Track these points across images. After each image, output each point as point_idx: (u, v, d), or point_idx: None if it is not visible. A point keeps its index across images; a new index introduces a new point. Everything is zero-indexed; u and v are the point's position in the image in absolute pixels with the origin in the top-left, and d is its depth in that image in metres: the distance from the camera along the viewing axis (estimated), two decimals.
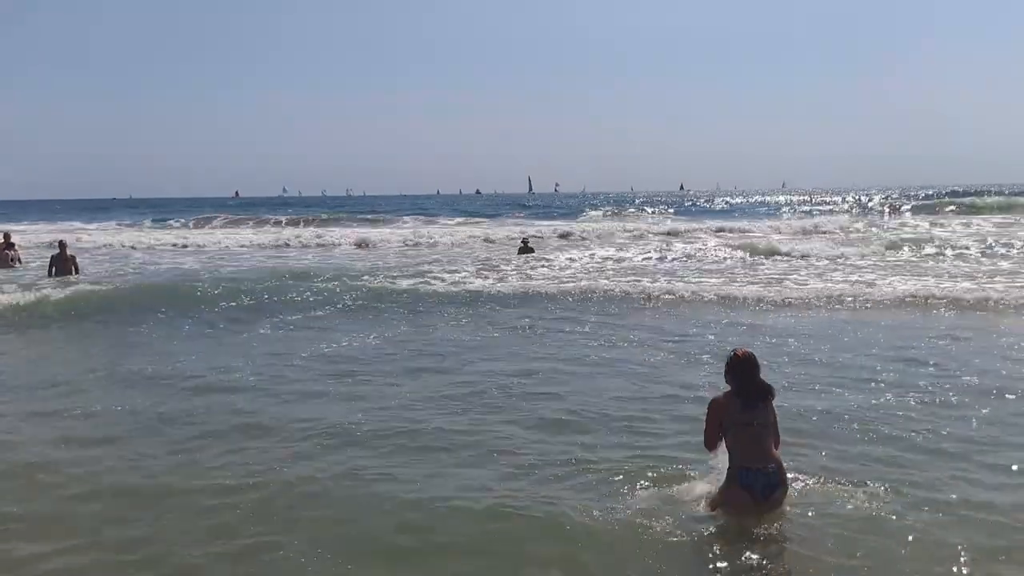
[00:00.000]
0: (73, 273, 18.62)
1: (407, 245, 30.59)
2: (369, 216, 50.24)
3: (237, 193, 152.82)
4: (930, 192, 68.94)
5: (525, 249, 25.53)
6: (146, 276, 19.56)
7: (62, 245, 19.34)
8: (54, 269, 18.53)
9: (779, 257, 21.85)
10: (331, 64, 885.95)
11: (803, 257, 21.56)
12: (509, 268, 19.90)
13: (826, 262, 20.45)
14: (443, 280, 17.30)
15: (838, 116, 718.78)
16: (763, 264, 20.54)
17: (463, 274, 18.42)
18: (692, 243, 25.80)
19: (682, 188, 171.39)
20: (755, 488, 4.72)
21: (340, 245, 30.76)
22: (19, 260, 21.07)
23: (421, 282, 16.91)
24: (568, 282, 16.72)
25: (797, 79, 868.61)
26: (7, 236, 21.87)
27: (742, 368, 4.93)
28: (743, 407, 4.82)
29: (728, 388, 5.00)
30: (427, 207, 69.25)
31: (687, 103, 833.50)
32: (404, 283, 16.59)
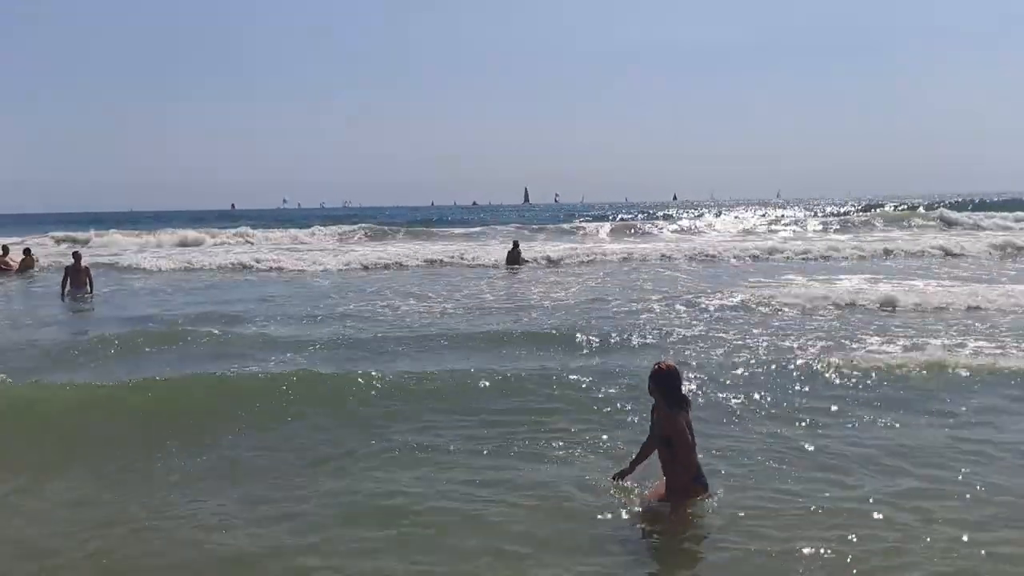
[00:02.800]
0: (88, 289, 16.99)
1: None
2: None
3: (233, 206, 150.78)
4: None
5: (513, 255, 23.31)
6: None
7: (77, 256, 18.46)
8: (68, 282, 17.58)
9: None
10: (331, 65, 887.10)
11: None
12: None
13: None
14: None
15: (837, 118, 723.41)
16: None
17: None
18: None
19: (675, 198, 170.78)
20: (703, 482, 5.52)
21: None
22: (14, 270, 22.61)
23: None
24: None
25: (797, 80, 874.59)
26: (6, 249, 23.32)
27: (670, 379, 5.44)
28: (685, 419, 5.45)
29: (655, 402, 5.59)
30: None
31: (686, 105, 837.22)
32: None
